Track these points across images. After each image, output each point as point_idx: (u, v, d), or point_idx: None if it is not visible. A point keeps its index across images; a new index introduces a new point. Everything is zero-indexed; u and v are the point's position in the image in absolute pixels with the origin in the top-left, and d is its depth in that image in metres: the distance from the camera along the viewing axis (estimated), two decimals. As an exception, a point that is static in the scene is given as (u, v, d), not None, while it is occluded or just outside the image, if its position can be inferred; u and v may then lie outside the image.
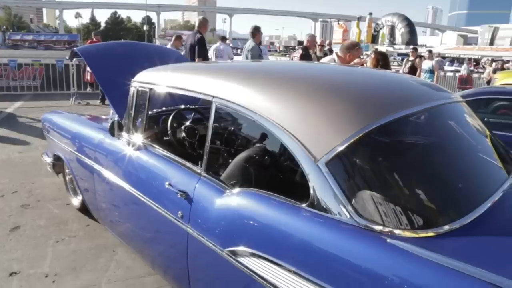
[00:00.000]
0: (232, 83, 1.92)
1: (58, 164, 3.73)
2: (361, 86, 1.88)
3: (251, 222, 1.60)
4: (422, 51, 16.98)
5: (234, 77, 1.99)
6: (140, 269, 2.72)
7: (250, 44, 6.79)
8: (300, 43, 42.22)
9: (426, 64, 10.14)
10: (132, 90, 2.54)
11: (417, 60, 9.47)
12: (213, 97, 1.91)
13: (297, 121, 1.57)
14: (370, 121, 1.49)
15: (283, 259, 1.44)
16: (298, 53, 6.88)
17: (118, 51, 3.49)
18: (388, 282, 1.20)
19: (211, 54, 8.26)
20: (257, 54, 6.72)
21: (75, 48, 3.33)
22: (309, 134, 1.52)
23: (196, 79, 2.16)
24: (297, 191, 1.58)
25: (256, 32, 6.86)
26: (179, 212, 1.91)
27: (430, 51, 11.57)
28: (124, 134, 2.56)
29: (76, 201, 3.62)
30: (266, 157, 2.02)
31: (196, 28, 7.02)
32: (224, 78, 2.03)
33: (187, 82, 2.19)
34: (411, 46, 12.61)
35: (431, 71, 10.16)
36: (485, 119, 4.37)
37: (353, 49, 4.26)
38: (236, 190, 1.72)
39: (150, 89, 2.40)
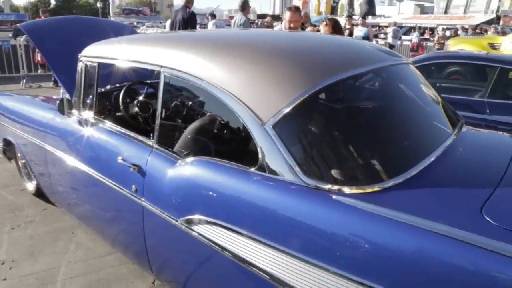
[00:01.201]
0: (179, 51, 1.87)
1: (9, 149, 3.56)
2: (307, 49, 1.88)
3: (203, 190, 1.60)
4: (380, 21, 17.20)
5: (181, 46, 1.95)
6: (101, 248, 2.69)
7: (240, 18, 6.65)
8: (260, 16, 41.69)
9: (359, 31, 10.17)
10: (80, 65, 2.44)
11: (354, 28, 9.64)
12: (161, 67, 1.87)
13: (244, 86, 1.56)
14: (315, 82, 1.50)
15: (236, 224, 1.46)
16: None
17: (66, 26, 3.31)
18: (339, 238, 1.23)
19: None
20: (248, 28, 6.62)
21: (18, 25, 3.14)
22: (256, 98, 1.52)
23: (143, 50, 2.09)
24: (249, 156, 1.58)
25: (245, 5, 6.74)
26: (133, 186, 1.88)
27: (363, 17, 11.74)
28: (74, 111, 2.47)
29: (30, 186, 3.49)
30: (218, 125, 2.00)
31: (184, 3, 6.84)
32: (171, 47, 1.98)
33: (135, 53, 2.12)
34: (346, 15, 12.71)
35: (367, 38, 10.22)
36: (438, 84, 4.54)
37: (290, 10, 4.21)
38: (188, 159, 1.71)
39: (99, 63, 2.31)
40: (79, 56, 2.45)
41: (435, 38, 15.48)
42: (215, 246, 1.53)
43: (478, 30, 22.40)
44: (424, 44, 15.92)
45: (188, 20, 6.62)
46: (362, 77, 1.74)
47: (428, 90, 2.13)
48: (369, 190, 1.33)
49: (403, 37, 18.92)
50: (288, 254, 1.31)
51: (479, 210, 1.22)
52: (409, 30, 24.86)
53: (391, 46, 14.38)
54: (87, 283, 2.37)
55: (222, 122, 2.02)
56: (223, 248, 1.50)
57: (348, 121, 1.64)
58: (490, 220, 1.17)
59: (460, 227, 1.13)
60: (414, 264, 1.12)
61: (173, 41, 2.12)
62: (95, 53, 2.36)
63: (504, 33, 15.07)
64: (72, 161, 2.38)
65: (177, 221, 1.66)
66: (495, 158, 1.70)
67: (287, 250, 1.32)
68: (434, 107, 2.08)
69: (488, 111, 3.64)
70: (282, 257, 1.33)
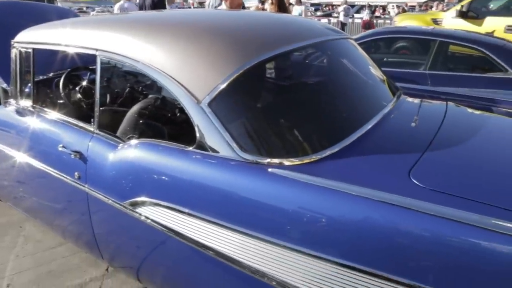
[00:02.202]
0: (113, 33, 1.82)
1: None
2: (242, 26, 1.88)
3: (145, 172, 1.59)
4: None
5: (115, 28, 1.89)
6: (51, 240, 2.62)
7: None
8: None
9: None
10: (13, 52, 2.32)
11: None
12: (97, 50, 1.81)
13: (179, 66, 1.55)
14: (250, 58, 1.51)
15: (179, 204, 1.47)
16: None
17: (1, 10, 3.12)
18: (279, 210, 1.27)
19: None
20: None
21: None
22: (191, 77, 1.51)
23: (78, 34, 2.02)
24: (190, 136, 1.59)
25: None
26: (76, 173, 1.84)
27: None
28: (11, 101, 2.36)
29: (-28, 182, 3.32)
30: (158, 106, 1.99)
31: None
32: (105, 29, 1.92)
33: (69, 37, 2.04)
34: None
35: None
36: (385, 59, 4.68)
37: None
38: (129, 142, 1.69)
39: (33, 49, 2.21)
40: (12, 43, 2.33)
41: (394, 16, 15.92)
42: (161, 227, 1.53)
43: (424, 7, 23.18)
44: (375, 21, 16.28)
45: (158, 3, 6.28)
46: (299, 52, 1.77)
47: (367, 64, 2.19)
48: (306, 160, 1.37)
49: (355, 15, 19.25)
50: (231, 230, 1.34)
51: (407, 174, 1.29)
52: (361, 8, 25.26)
53: (343, 24, 14.61)
54: (36, 276, 2.31)
55: (163, 103, 2.01)
56: (169, 229, 1.51)
57: (284, 95, 1.67)
58: (416, 183, 1.25)
59: (389, 190, 1.19)
60: (352, 230, 1.16)
61: (108, 24, 2.06)
62: (29, 38, 2.25)
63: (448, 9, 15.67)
64: (13, 152, 2.29)
65: (121, 205, 1.65)
66: (427, 125, 1.79)
67: (230, 226, 1.34)
68: (372, 79, 2.16)
69: (429, 82, 3.81)
70: (226, 233, 1.35)
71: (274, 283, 1.27)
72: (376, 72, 2.20)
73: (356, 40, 4.42)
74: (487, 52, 3.77)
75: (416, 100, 2.17)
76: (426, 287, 1.05)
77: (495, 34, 5.66)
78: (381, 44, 4.87)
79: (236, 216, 1.35)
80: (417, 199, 1.15)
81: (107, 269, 2.34)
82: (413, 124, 1.83)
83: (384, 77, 2.22)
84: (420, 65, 4.15)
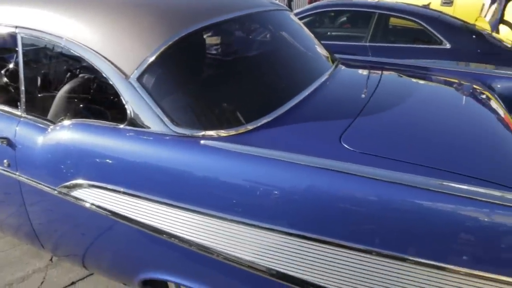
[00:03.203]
0: (33, 8, 1.70)
1: None
2: None
3: (77, 153, 1.53)
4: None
5: (35, 2, 1.77)
6: (-12, 235, 2.48)
7: None
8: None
9: None
10: None
11: None
12: (16, 27, 1.69)
13: (103, 40, 1.48)
14: (179, 29, 1.47)
15: (116, 184, 1.42)
16: None
17: None
18: (215, 182, 1.26)
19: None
20: None
21: None
22: (117, 51, 1.45)
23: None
24: (122, 113, 1.53)
25: None
26: (5, 161, 1.74)
27: None
28: None
29: None
30: (89, 85, 1.90)
31: None
32: (25, 4, 1.79)
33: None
34: None
35: None
36: (329, 33, 4.74)
37: None
38: (59, 124, 1.61)
39: None
40: None
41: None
42: (99, 209, 1.49)
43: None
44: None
45: None
46: (231, 23, 1.75)
47: (303, 35, 2.20)
48: (241, 131, 1.37)
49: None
50: (170, 206, 1.32)
51: (338, 139, 1.33)
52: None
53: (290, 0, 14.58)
54: (-27, 274, 2.20)
55: (93, 81, 1.92)
56: (108, 211, 1.47)
57: (216, 66, 1.65)
58: (347, 147, 1.29)
59: (320, 156, 1.21)
60: (288, 197, 1.18)
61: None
62: None
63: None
64: None
65: (56, 190, 1.58)
66: (361, 93, 1.84)
67: (169, 202, 1.33)
68: (309, 50, 2.17)
69: (370, 54, 3.92)
70: (165, 210, 1.34)
71: (221, 257, 1.28)
72: (313, 43, 2.22)
73: (298, 14, 4.46)
74: (424, 24, 3.92)
75: (352, 70, 2.22)
76: (369, 248, 1.07)
77: (431, 7, 5.87)
78: (323, 18, 4.93)
79: (174, 191, 1.33)
80: (347, 162, 1.18)
81: (51, 259, 2.26)
82: (347, 92, 1.87)
83: (322, 48, 2.24)
84: (361, 37, 4.25)
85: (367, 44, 4.03)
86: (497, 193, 1.02)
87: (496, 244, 0.97)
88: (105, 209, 1.47)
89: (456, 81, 2.16)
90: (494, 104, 1.91)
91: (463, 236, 1.00)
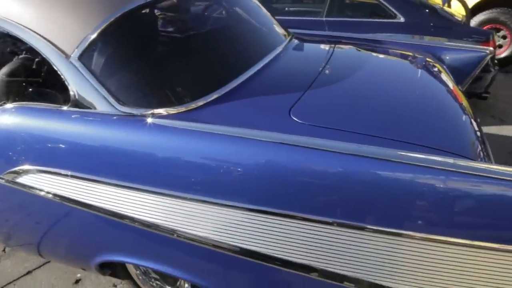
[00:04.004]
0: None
1: None
2: None
3: (22, 137, 1.45)
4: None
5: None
6: None
7: None
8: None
9: None
10: None
11: None
12: None
13: (41, 18, 1.40)
14: (120, 6, 1.41)
15: (65, 168, 1.37)
16: None
17: None
18: (165, 161, 1.24)
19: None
20: None
21: None
22: (56, 30, 1.38)
23: None
24: (66, 94, 1.47)
25: None
26: None
27: None
28: None
29: None
30: (30, 66, 1.80)
31: None
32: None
33: None
34: None
35: None
36: (286, 8, 4.72)
37: None
38: (0, 108, 1.53)
39: None
40: None
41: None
42: (48, 194, 1.43)
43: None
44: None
45: None
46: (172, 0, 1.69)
47: (256, 10, 2.17)
48: (192, 107, 1.35)
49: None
50: (121, 187, 1.29)
51: (288, 112, 1.33)
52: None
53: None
54: None
55: (33, 62, 1.82)
56: (57, 195, 1.42)
57: (162, 43, 1.61)
58: (296, 120, 1.29)
59: (270, 129, 1.20)
60: (238, 172, 1.16)
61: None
62: None
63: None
64: None
65: (1, 177, 1.51)
66: (313, 66, 1.83)
67: (119, 183, 1.29)
68: (261, 24, 2.14)
69: (326, 29, 3.94)
70: (116, 191, 1.30)
71: (179, 236, 1.26)
72: (265, 18, 2.20)
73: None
74: (379, -1, 3.98)
75: (306, 44, 2.22)
76: (329, 219, 1.08)
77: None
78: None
79: (124, 172, 1.30)
80: (296, 135, 1.17)
81: (3, 250, 2.18)
82: (299, 66, 1.88)
83: (275, 23, 2.22)
84: (318, 12, 4.27)
85: (324, 19, 4.05)
86: (450, 160, 1.04)
87: (449, 208, 1.00)
88: (55, 195, 1.42)
89: (411, 54, 2.20)
90: (444, 76, 1.97)
91: (419, 203, 1.02)
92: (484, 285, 1.00)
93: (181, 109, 1.33)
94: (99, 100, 1.34)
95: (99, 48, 1.37)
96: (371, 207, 1.06)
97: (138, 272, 1.71)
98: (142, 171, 1.27)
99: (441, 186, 0.99)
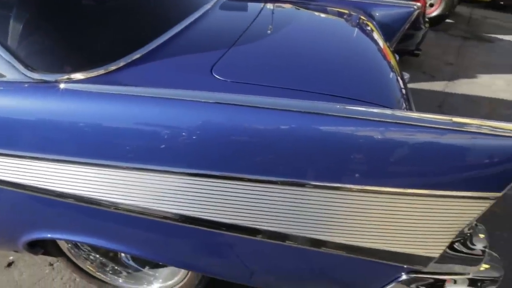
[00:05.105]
0: None
1: None
2: None
3: None
4: None
5: None
6: None
7: None
8: None
9: None
10: None
11: None
12: None
13: None
14: None
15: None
16: None
17: None
18: (86, 129, 1.13)
19: None
20: None
21: None
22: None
23: None
24: None
25: None
26: None
27: None
28: None
29: None
30: None
31: None
32: None
33: None
34: None
35: None
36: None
37: None
38: None
39: None
40: None
41: None
42: None
43: None
44: None
45: None
46: None
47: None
48: (111, 69, 1.26)
49: None
50: (43, 160, 1.19)
51: (210, 70, 1.30)
52: None
53: None
54: None
55: None
56: None
57: (74, 3, 1.48)
58: (218, 77, 1.27)
59: (191, 88, 1.14)
60: (163, 134, 1.08)
61: None
62: None
63: None
64: None
65: None
66: (240, 24, 1.77)
67: (40, 156, 1.19)
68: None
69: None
70: (38, 165, 1.21)
71: (112, 207, 1.20)
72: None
73: None
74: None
75: (234, 2, 2.15)
76: (269, 178, 1.05)
77: None
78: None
79: (42, 144, 1.19)
80: (218, 92, 1.11)
81: None
82: (225, 25, 1.82)
83: None
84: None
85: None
86: (388, 112, 1.04)
87: (386, 158, 1.01)
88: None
89: (346, 12, 2.20)
90: (375, 34, 2.00)
91: (357, 156, 1.02)
92: (417, 229, 1.06)
93: (100, 71, 1.24)
94: (6, 67, 1.20)
95: (2, 11, 1.23)
96: (309, 163, 1.04)
97: (69, 245, 1.64)
98: (64, 142, 1.18)
99: (379, 137, 1.00)
